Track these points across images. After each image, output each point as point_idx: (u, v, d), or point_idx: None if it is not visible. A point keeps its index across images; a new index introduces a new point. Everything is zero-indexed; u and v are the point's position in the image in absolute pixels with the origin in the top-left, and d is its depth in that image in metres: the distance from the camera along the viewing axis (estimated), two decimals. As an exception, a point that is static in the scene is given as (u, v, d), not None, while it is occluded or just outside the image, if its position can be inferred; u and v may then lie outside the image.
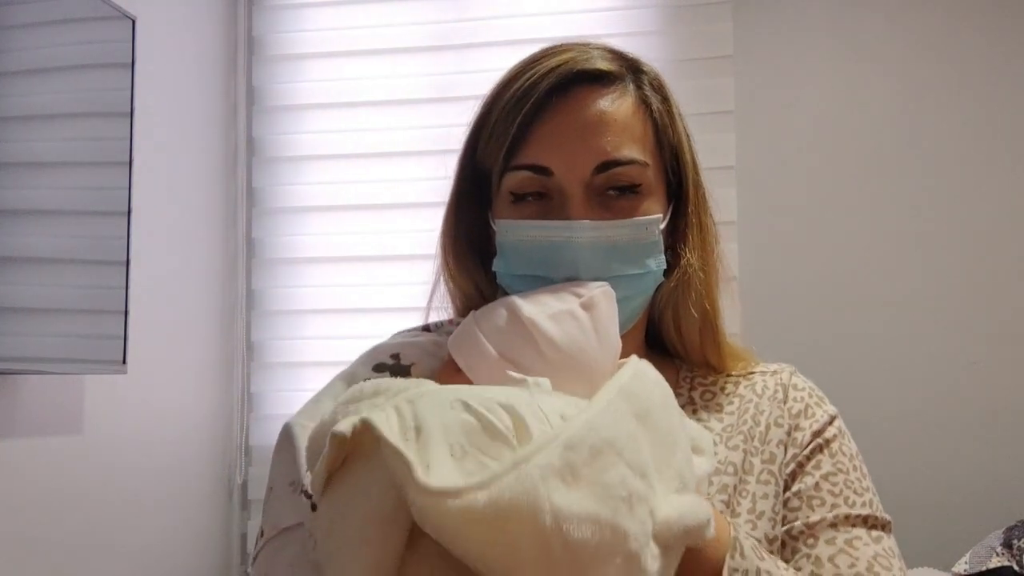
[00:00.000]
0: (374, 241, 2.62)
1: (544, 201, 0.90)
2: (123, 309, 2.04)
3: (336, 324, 2.61)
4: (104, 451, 2.15)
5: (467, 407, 0.64)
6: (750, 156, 2.53)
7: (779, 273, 2.50)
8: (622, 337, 0.91)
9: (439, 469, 0.60)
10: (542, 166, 0.88)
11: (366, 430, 0.62)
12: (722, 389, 0.98)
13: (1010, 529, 2.00)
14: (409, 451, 0.60)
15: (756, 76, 2.55)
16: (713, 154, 2.51)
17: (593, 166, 0.88)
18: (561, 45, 0.94)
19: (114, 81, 2.05)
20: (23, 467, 1.92)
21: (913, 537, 2.36)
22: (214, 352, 2.62)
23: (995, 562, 1.93)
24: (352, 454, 0.64)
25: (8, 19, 1.80)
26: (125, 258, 2.05)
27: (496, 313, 0.81)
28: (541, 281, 0.89)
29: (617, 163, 0.89)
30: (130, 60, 2.07)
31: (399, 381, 0.70)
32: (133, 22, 2.07)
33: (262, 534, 0.82)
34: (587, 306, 0.80)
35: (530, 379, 0.73)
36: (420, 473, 0.58)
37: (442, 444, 0.62)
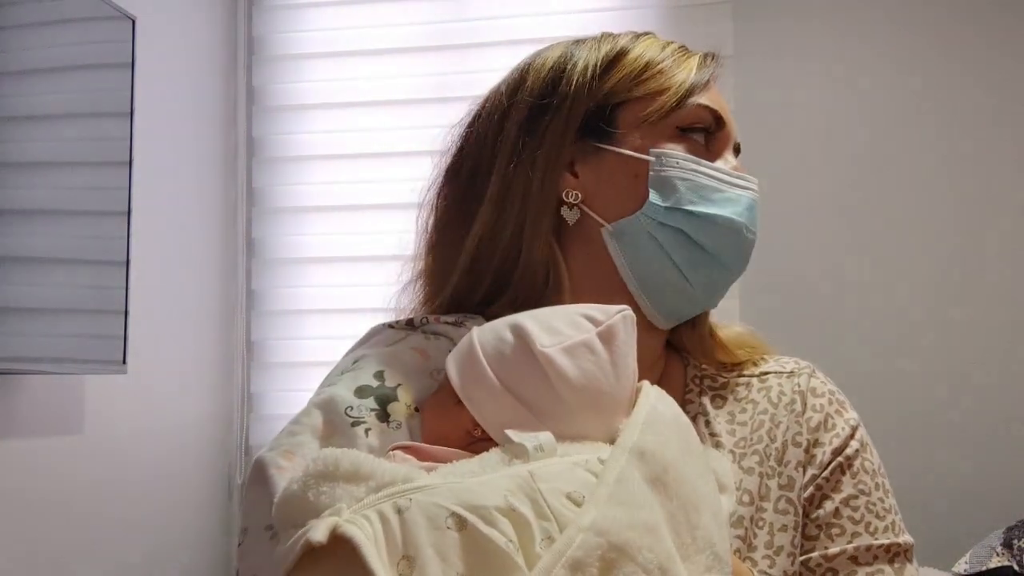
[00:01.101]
0: (374, 241, 2.62)
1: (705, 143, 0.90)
2: (123, 309, 2.04)
3: (336, 324, 2.61)
4: (104, 451, 2.15)
5: (462, 524, 0.58)
6: (750, 156, 2.52)
7: (778, 273, 2.50)
8: (657, 332, 0.90)
9: None
10: (719, 114, 0.90)
11: (346, 544, 0.57)
12: (734, 393, 0.91)
13: (1010, 529, 2.00)
14: None
15: (756, 76, 2.55)
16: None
17: (737, 142, 0.93)
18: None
19: (114, 81, 2.05)
20: (23, 467, 1.92)
21: (913, 537, 2.36)
22: (214, 352, 2.62)
23: (995, 562, 1.93)
24: (322, 547, 0.59)
25: (8, 19, 1.80)
26: (125, 258, 2.05)
27: (502, 338, 0.73)
28: (708, 221, 0.85)
29: (740, 151, 0.95)
30: (130, 60, 2.07)
31: (382, 466, 0.63)
32: (133, 22, 2.07)
33: None
34: (605, 337, 0.72)
35: (529, 444, 0.65)
36: None
37: None
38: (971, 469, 2.36)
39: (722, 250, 0.86)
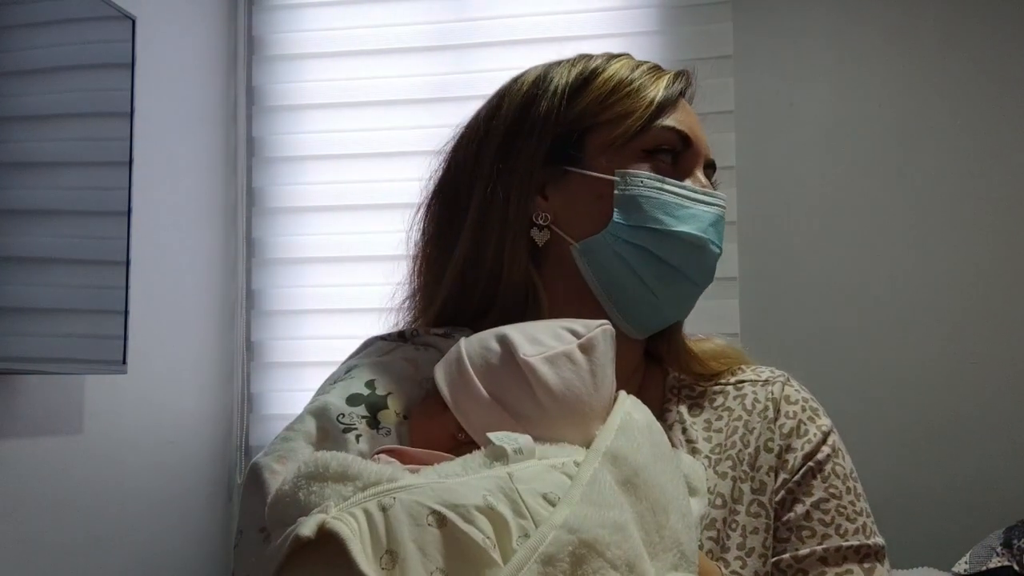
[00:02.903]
0: (374, 241, 2.62)
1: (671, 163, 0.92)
2: (123, 309, 2.04)
3: (336, 324, 2.62)
4: (104, 451, 2.15)
5: (442, 521, 0.61)
6: (750, 156, 2.53)
7: (778, 273, 2.50)
8: (635, 343, 0.93)
9: None
10: (687, 135, 0.91)
11: (333, 539, 0.60)
12: (711, 401, 0.94)
13: (1010, 529, 2.00)
14: None
15: (756, 76, 2.55)
16: (713, 154, 2.51)
17: (708, 157, 0.94)
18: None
19: (114, 81, 2.05)
20: (23, 467, 1.92)
21: (913, 537, 2.36)
22: (214, 352, 2.62)
23: (995, 562, 1.93)
24: (311, 542, 0.62)
25: (8, 19, 1.80)
26: (125, 258, 2.05)
27: (488, 348, 0.78)
28: (671, 237, 0.87)
29: (715, 167, 0.96)
30: (130, 60, 2.07)
31: (369, 467, 0.66)
32: (133, 22, 2.07)
33: None
34: (585, 348, 0.77)
35: (509, 446, 0.68)
36: None
37: (420, 573, 0.59)
38: (971, 469, 2.36)
39: (687, 265, 0.89)
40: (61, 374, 2.01)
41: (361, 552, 0.59)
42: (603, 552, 0.62)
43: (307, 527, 0.60)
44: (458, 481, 0.65)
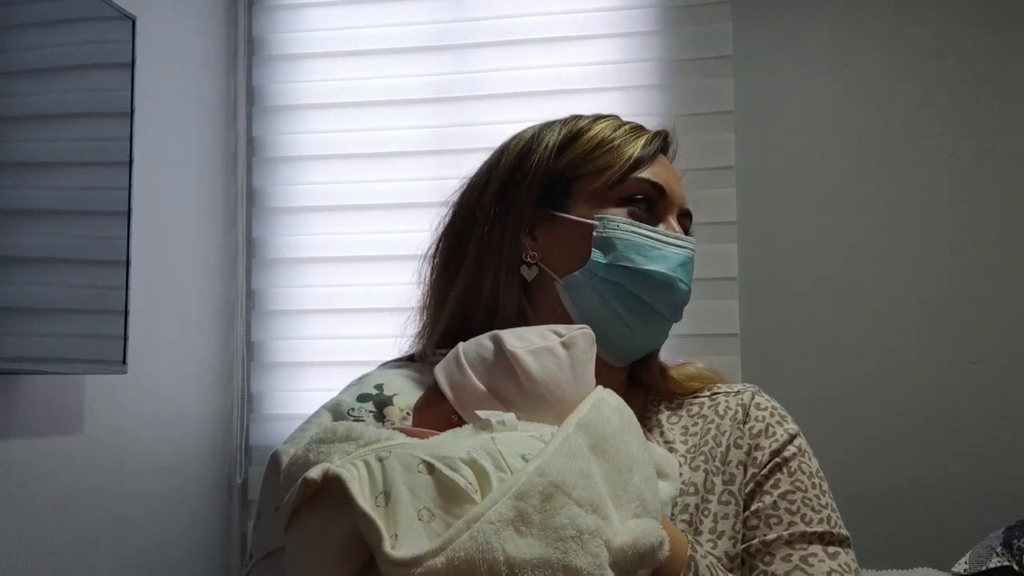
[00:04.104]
0: (374, 241, 2.62)
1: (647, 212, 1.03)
2: (123, 309, 2.04)
3: (336, 324, 2.61)
4: (104, 451, 2.15)
5: (431, 468, 0.70)
6: (750, 156, 2.53)
7: (778, 273, 2.50)
8: (618, 370, 1.04)
9: (407, 537, 0.66)
10: (662, 186, 1.02)
11: (336, 483, 0.69)
12: (687, 411, 1.05)
13: (1010, 529, 1.99)
14: (379, 519, 0.66)
15: (756, 76, 2.55)
16: (713, 154, 2.51)
17: (683, 207, 1.05)
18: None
19: (114, 81, 2.05)
20: (23, 467, 1.92)
21: (913, 537, 2.37)
22: (214, 352, 2.62)
23: (995, 562, 1.93)
24: (318, 492, 0.71)
25: (8, 19, 1.80)
26: (125, 258, 2.05)
27: (482, 345, 0.88)
28: (642, 275, 0.98)
29: (691, 216, 1.07)
30: (130, 60, 2.07)
31: (370, 430, 0.76)
32: (133, 22, 2.07)
33: (251, 556, 0.89)
34: (567, 344, 0.86)
35: (494, 419, 0.78)
36: (388, 546, 0.65)
37: (410, 510, 0.68)
38: (971, 469, 2.36)
39: (657, 300, 1.00)
40: (61, 374, 2.01)
41: (360, 491, 0.68)
42: (569, 492, 0.71)
43: (315, 472, 0.70)
44: (446, 442, 0.76)
